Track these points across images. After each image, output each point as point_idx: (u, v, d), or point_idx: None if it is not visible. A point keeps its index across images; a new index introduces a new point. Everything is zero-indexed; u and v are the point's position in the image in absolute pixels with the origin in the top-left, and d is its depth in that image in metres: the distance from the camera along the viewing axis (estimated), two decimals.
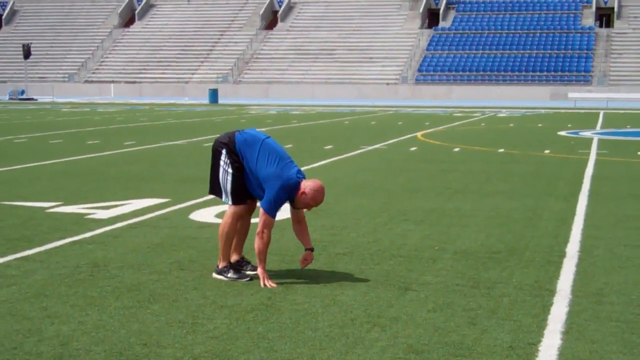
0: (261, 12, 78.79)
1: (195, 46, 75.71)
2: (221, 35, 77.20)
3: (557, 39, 70.40)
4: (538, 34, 71.39)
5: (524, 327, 5.42)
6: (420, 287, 6.40)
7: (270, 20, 79.61)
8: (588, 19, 72.95)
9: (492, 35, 72.28)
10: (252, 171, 6.53)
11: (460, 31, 73.29)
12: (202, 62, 73.61)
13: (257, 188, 6.59)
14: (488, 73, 67.31)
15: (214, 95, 56.23)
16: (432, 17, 77.42)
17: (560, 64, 67.05)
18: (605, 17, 74.41)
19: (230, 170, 6.59)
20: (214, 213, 9.91)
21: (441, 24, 75.61)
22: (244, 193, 6.66)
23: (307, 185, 6.47)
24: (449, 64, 69.01)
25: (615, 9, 72.61)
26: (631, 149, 19.59)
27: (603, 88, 62.35)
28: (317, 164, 15.81)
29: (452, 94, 64.86)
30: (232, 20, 79.37)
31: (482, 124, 31.08)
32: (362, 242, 8.20)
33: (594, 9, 73.36)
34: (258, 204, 6.70)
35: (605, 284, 6.56)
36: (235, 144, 6.58)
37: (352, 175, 14.22)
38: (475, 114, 39.44)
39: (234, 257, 6.85)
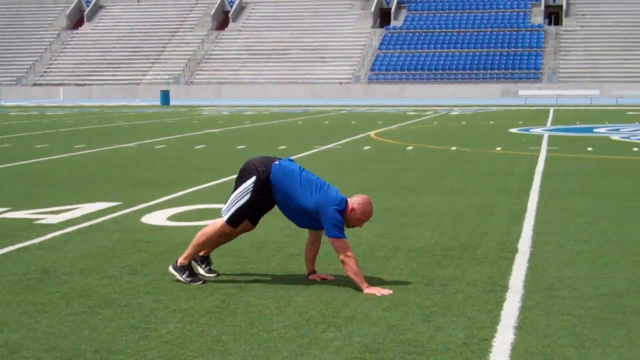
0: (212, 12, 78.46)
1: (146, 47, 75.18)
2: (172, 36, 76.74)
3: (507, 37, 71.08)
4: (488, 33, 72.00)
5: (477, 323, 5.44)
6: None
7: (222, 21, 79.33)
8: (537, 17, 73.76)
9: (443, 34, 72.76)
10: (291, 200, 6.46)
11: (412, 30, 73.67)
12: (152, 63, 73.12)
13: (294, 215, 6.56)
14: (440, 71, 67.75)
15: (165, 96, 55.86)
16: (383, 17, 77.71)
17: (511, 61, 67.72)
18: (554, 15, 75.30)
19: (247, 197, 6.52)
20: (166, 216, 9.83)
21: (393, 23, 75.94)
22: (244, 219, 6.64)
23: (354, 201, 6.46)
24: (401, 62, 69.34)
25: (564, 7, 73.53)
26: (581, 145, 19.83)
27: (553, 85, 63.09)
28: None
29: (405, 93, 65.15)
30: (183, 21, 78.95)
31: (435, 123, 31.26)
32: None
33: (542, 7, 74.21)
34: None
35: (556, 278, 6.62)
36: (270, 174, 6.49)
37: None
38: (428, 113, 39.66)
39: (201, 252, 6.79)
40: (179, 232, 8.81)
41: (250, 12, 79.22)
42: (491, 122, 30.68)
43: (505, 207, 10.41)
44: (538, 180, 13.01)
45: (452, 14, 75.77)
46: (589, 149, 18.83)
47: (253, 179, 6.51)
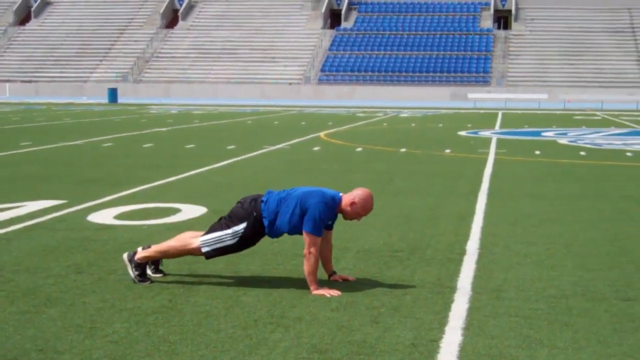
0: (161, 10, 77.96)
1: (94, 45, 74.43)
2: (120, 33, 76.07)
3: (457, 40, 71.67)
4: (438, 36, 72.56)
5: (425, 324, 5.45)
6: (324, 286, 6.37)
7: (171, 19, 78.87)
8: (486, 21, 74.51)
9: (393, 36, 73.12)
10: (287, 212, 6.39)
11: (362, 32, 73.92)
12: (100, 60, 72.42)
13: (293, 229, 6.45)
14: (390, 73, 68.06)
15: (113, 94, 55.31)
16: (334, 18, 77.89)
17: (460, 65, 68.30)
18: (503, 19, 76.14)
19: (234, 241, 6.47)
20: (112, 215, 9.72)
21: (343, 24, 76.15)
22: (221, 255, 6.61)
23: (355, 194, 6.43)
24: (351, 64, 69.53)
25: (513, 12, 74.37)
26: (529, 149, 20.03)
27: (501, 89, 63.74)
28: (220, 164, 15.68)
29: (355, 94, 65.36)
30: (132, 19, 78.30)
31: (385, 124, 31.37)
32: (264, 242, 8.06)
33: (492, 11, 74.99)
34: None
35: (504, 280, 6.67)
36: (261, 216, 6.45)
37: (255, 175, 14.15)
38: (378, 114, 39.79)
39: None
40: (126, 231, 8.72)
41: (200, 11, 78.86)
42: (440, 125, 30.88)
43: (454, 209, 10.47)
44: (486, 183, 13.11)
45: (402, 17, 76.23)
46: (537, 152, 19.03)
47: (244, 225, 6.46)
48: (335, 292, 6.18)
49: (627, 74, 65.89)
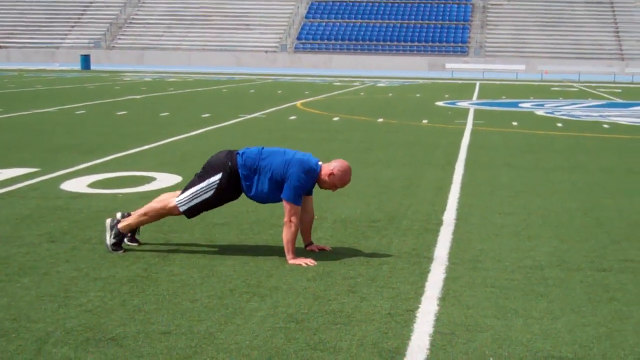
0: None
1: (66, 10, 73.63)
2: None
3: (435, 9, 71.55)
4: (416, 4, 72.37)
5: (402, 294, 5.44)
6: (300, 256, 6.35)
7: None
8: None
9: (370, 4, 72.85)
10: (262, 177, 6.34)
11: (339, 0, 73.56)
12: (72, 26, 71.67)
13: (271, 193, 6.39)
14: (367, 42, 67.89)
15: (85, 61, 54.78)
16: None
17: (438, 34, 68.24)
18: None
19: (210, 193, 6.39)
20: (86, 183, 9.63)
21: None
22: (201, 212, 6.52)
23: (334, 165, 6.39)
24: (328, 32, 69.26)
25: None
26: (506, 119, 20.06)
27: (479, 59, 63.80)
28: (194, 132, 15.59)
29: (332, 63, 65.20)
30: None
31: (362, 94, 31.31)
32: (240, 211, 8.09)
33: None
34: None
35: (480, 250, 6.67)
36: (237, 166, 6.37)
37: (230, 144, 14.04)
38: (355, 84, 39.71)
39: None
40: (100, 199, 8.64)
41: None
42: (418, 95, 30.86)
43: (431, 179, 10.47)
44: (463, 154, 13.12)
45: None
46: (514, 123, 19.06)
47: (219, 175, 6.38)
48: (311, 262, 6.16)
49: (604, 45, 66.10)
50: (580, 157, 13.07)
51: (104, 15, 72.77)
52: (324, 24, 70.57)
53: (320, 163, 6.45)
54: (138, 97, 26.44)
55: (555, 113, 22.56)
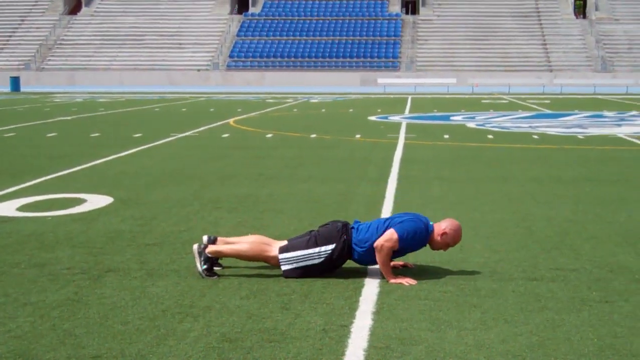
0: None
1: None
2: (22, 20, 74.26)
3: (366, 25, 72.09)
4: (347, 21, 72.84)
5: (336, 309, 5.43)
6: (233, 275, 6.31)
7: (74, 5, 77.31)
8: (394, 6, 75.13)
9: (302, 21, 73.13)
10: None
11: (271, 17, 73.75)
12: (1, 48, 70.56)
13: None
14: (300, 59, 68.07)
15: (15, 83, 53.85)
16: (241, 3, 77.46)
17: (369, 50, 68.72)
18: (410, 4, 76.89)
19: (318, 261, 6.28)
20: (15, 206, 9.45)
21: (251, 9, 75.83)
22: (295, 276, 6.33)
23: (446, 225, 6.39)
24: (260, 49, 69.30)
25: None
26: (438, 133, 20.25)
27: (411, 73, 64.38)
28: (126, 153, 15.42)
29: (265, 80, 65.21)
30: (33, 5, 76.53)
31: (295, 110, 31.34)
32: (173, 231, 8.02)
33: None
34: None
35: (413, 263, 6.69)
36: (352, 240, 6.34)
37: (162, 163, 13.95)
38: (288, 100, 39.75)
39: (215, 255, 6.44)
40: (30, 223, 8.48)
41: None
42: (350, 110, 31.00)
43: (364, 194, 10.50)
44: (396, 168, 13.20)
45: (310, 1, 76.30)
46: (446, 136, 19.25)
47: (332, 246, 6.31)
48: (412, 281, 6.13)
49: (533, 57, 67.26)
50: (510, 168, 13.24)
51: (33, 36, 71.80)
52: (255, 41, 70.60)
53: (432, 224, 6.44)
54: (69, 118, 26.09)
55: (486, 125, 22.86)
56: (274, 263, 6.38)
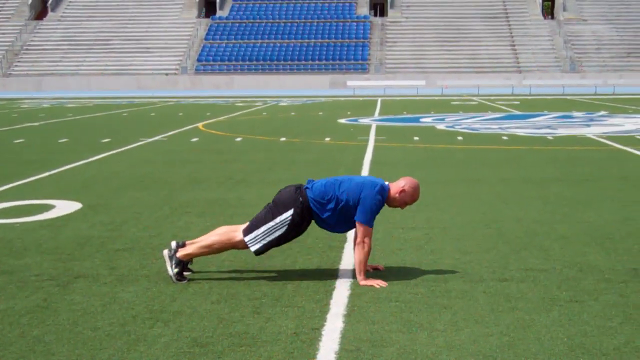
0: (30, 1, 75.74)
1: None
2: None
3: (334, 28, 72.15)
4: (315, 23, 72.88)
5: (307, 312, 5.43)
6: (204, 280, 6.29)
7: (40, 10, 76.74)
8: (363, 8, 75.25)
9: (270, 24, 73.08)
10: (334, 209, 6.28)
11: (239, 20, 73.61)
12: None
13: (344, 224, 6.38)
14: (268, 62, 68.02)
15: None
16: (209, 7, 77.28)
17: (338, 52, 68.78)
18: (379, 6, 77.07)
19: (282, 230, 6.27)
20: None
21: (218, 13, 75.64)
22: (270, 249, 6.37)
23: (404, 183, 6.40)
24: (228, 53, 69.14)
25: None
26: (407, 135, 20.31)
27: (380, 76, 64.53)
28: (94, 158, 15.33)
29: (234, 84, 65.07)
30: None
31: (264, 113, 31.31)
32: (143, 236, 7.98)
33: None
34: None
35: (384, 265, 6.70)
36: (309, 202, 6.29)
37: (131, 168, 13.88)
38: (257, 104, 39.71)
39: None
40: None
41: (70, 1, 76.95)
42: (320, 113, 31.02)
43: None
44: (366, 170, 13.22)
45: (278, 4, 76.22)
46: (416, 138, 19.31)
47: (291, 211, 6.27)
48: (383, 283, 6.12)
49: (502, 59, 67.66)
50: (480, 169, 13.30)
51: None
52: (224, 45, 70.44)
53: (387, 183, 6.44)
54: (36, 124, 25.89)
55: (456, 127, 22.95)
56: (243, 246, 6.38)
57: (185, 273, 6.38)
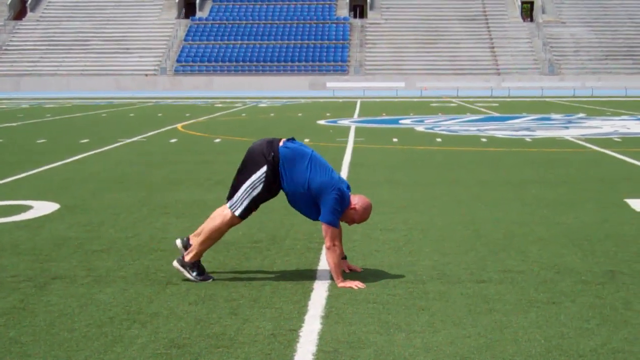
0: (8, 1, 75.33)
1: None
2: None
3: (314, 29, 72.21)
4: (295, 25, 72.91)
5: (285, 314, 5.42)
6: (182, 281, 6.27)
7: (19, 10, 76.33)
8: (342, 10, 75.35)
9: (250, 25, 73.04)
10: (301, 186, 6.20)
11: (218, 21, 73.54)
12: None
13: (304, 206, 6.31)
14: (248, 63, 67.98)
15: None
16: (188, 7, 77.14)
17: (318, 54, 68.85)
18: (358, 8, 77.18)
19: (260, 188, 6.22)
20: None
21: (198, 14, 75.53)
22: (254, 210, 6.33)
23: (357, 201, 6.30)
24: (208, 54, 69.06)
25: (368, 0, 75.41)
26: (386, 136, 20.34)
27: (359, 77, 64.64)
28: (73, 159, 15.26)
29: (213, 85, 64.99)
30: None
31: (244, 115, 31.28)
32: (120, 237, 7.95)
33: (347, 0, 75.81)
34: None
35: (362, 267, 6.71)
36: (279, 159, 6.22)
37: (109, 169, 13.82)
38: (237, 105, 39.66)
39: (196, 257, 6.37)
40: None
41: (50, 2, 76.62)
42: (299, 114, 31.02)
43: None
44: (345, 171, 13.22)
45: (257, 6, 76.19)
46: (395, 140, 19.34)
47: (264, 169, 6.23)
48: (361, 285, 6.09)
49: (481, 61, 67.93)
50: (459, 171, 13.34)
51: None
52: (203, 45, 70.33)
53: (350, 192, 6.37)
54: (14, 124, 25.75)
55: (435, 129, 23.01)
56: (237, 222, 6.34)
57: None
